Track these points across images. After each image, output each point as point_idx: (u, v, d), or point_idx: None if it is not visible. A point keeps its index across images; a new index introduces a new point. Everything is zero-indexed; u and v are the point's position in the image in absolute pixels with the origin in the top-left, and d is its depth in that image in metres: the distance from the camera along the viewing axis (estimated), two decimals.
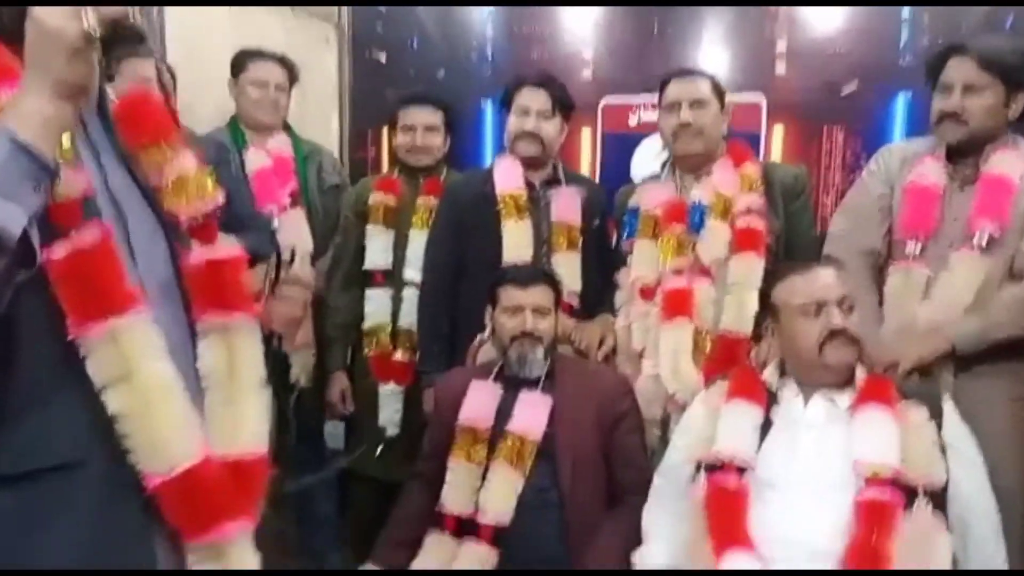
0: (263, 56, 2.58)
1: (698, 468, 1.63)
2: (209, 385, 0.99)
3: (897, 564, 1.39)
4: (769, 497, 1.54)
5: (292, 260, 1.13)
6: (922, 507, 1.45)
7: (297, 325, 1.13)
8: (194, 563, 0.96)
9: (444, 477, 1.88)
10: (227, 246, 1.04)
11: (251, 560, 1.00)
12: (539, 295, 1.93)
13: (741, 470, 1.57)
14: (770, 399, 1.66)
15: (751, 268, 2.00)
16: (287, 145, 2.62)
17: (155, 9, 2.74)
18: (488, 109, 3.47)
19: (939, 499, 1.49)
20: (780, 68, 3.17)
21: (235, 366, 1.00)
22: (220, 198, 1.05)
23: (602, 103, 3.34)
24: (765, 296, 1.80)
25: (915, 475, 1.47)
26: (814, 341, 1.61)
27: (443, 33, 3.53)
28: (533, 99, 2.28)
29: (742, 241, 2.04)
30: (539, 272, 2.02)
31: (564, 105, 2.31)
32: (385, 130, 3.54)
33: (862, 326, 1.68)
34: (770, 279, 1.79)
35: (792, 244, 2.11)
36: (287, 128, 2.69)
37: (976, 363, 1.84)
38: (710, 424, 1.65)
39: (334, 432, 2.96)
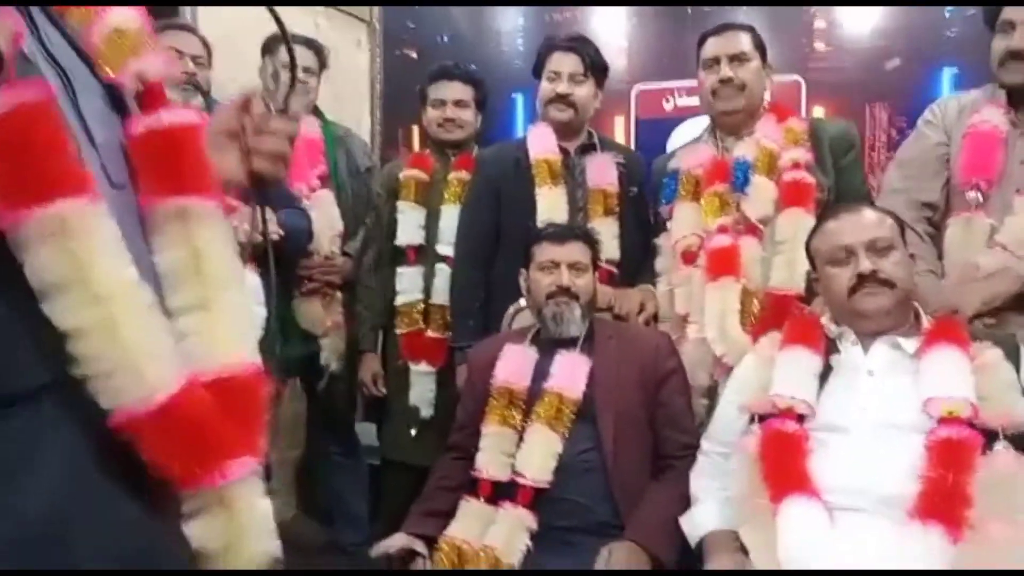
0: (293, 39, 2.56)
1: (751, 420, 1.52)
2: (172, 287, 0.77)
3: (978, 508, 1.26)
4: (830, 443, 1.42)
5: (294, 83, 0.95)
6: (1003, 449, 1.31)
7: (284, 164, 0.91)
8: (191, 515, 0.75)
9: (479, 446, 1.78)
10: (181, 113, 0.82)
11: (262, 507, 0.79)
12: (576, 251, 1.84)
13: (800, 417, 1.45)
14: (829, 347, 1.54)
15: (800, 224, 1.89)
16: (316, 128, 2.59)
17: (188, 10, 2.76)
18: (519, 102, 3.43)
19: (1020, 443, 1.35)
20: (819, 46, 3.08)
21: (202, 261, 0.78)
22: (170, 58, 0.90)
23: (636, 89, 3.28)
24: None
25: (993, 415, 1.34)
26: (844, 288, 1.51)
27: (474, 26, 3.51)
28: (564, 62, 2.21)
29: (790, 196, 1.93)
30: (576, 228, 1.94)
31: (597, 68, 2.24)
32: (416, 130, 3.54)
33: (923, 279, 1.58)
34: (814, 230, 1.69)
35: (844, 201, 1.99)
36: (317, 112, 2.66)
37: None
38: (764, 374, 1.54)
39: (367, 428, 2.90)
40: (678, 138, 3.11)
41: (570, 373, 1.75)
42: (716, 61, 2.04)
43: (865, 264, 1.50)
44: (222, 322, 0.78)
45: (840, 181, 2.01)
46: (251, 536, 0.78)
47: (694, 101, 3.07)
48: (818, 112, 3.06)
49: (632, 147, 3.24)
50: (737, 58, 2.02)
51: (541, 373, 1.79)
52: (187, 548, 0.76)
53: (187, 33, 2.17)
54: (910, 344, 1.49)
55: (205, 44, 2.21)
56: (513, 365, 1.80)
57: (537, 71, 2.28)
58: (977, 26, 2.57)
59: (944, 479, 1.28)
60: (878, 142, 3.02)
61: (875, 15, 3.01)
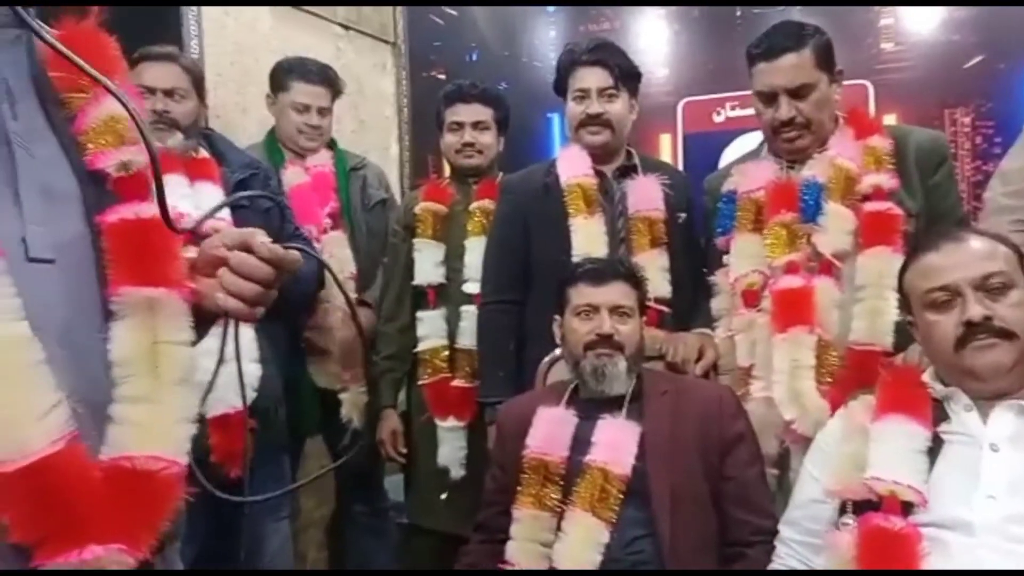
0: (306, 77, 2.31)
1: (843, 508, 1.22)
2: (123, 376, 0.76)
3: None
4: (951, 545, 1.11)
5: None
6: None
7: (256, 304, 0.82)
8: None
9: (509, 531, 1.51)
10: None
11: None
12: (618, 293, 1.57)
13: (907, 507, 1.15)
14: (937, 413, 1.24)
15: (885, 265, 1.58)
16: (327, 160, 2.36)
17: (194, 41, 2.57)
18: (555, 121, 3.17)
19: None
20: (887, 47, 2.76)
21: (161, 356, 0.78)
22: (156, 146, 0.79)
23: (682, 102, 3.00)
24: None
25: None
26: (949, 339, 1.20)
27: (504, 42, 3.29)
28: (590, 78, 1.95)
29: (872, 232, 1.62)
30: (618, 266, 1.65)
31: (629, 77, 1.97)
32: None
33: None
34: (907, 264, 1.38)
35: (935, 227, 1.67)
36: (330, 143, 2.43)
37: None
38: (856, 448, 1.24)
39: (397, 482, 2.66)
40: (731, 155, 2.82)
41: (616, 443, 1.47)
42: (773, 96, 1.70)
43: (975, 309, 1.19)
44: (161, 417, 0.78)
45: (930, 203, 1.68)
46: None
47: (747, 112, 2.79)
48: (889, 121, 2.72)
49: (680, 166, 2.97)
50: (798, 92, 1.68)
51: (582, 441, 1.51)
52: None
53: (164, 63, 1.88)
54: None
55: (190, 72, 1.92)
56: (548, 433, 1.54)
57: (560, 89, 2.03)
58: None
59: None
60: (961, 150, 2.68)
61: (949, 8, 2.67)
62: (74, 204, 0.80)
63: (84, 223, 0.80)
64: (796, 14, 2.81)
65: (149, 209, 0.79)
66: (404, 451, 2.27)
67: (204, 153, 1.91)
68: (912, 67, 2.72)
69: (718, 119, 2.95)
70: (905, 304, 1.35)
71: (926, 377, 1.30)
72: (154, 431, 0.77)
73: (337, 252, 2.18)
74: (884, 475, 1.17)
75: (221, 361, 0.88)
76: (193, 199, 1.77)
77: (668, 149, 3.03)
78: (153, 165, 0.74)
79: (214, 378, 0.88)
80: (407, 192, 3.12)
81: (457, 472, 2.17)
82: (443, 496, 2.19)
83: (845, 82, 1.82)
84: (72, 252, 0.78)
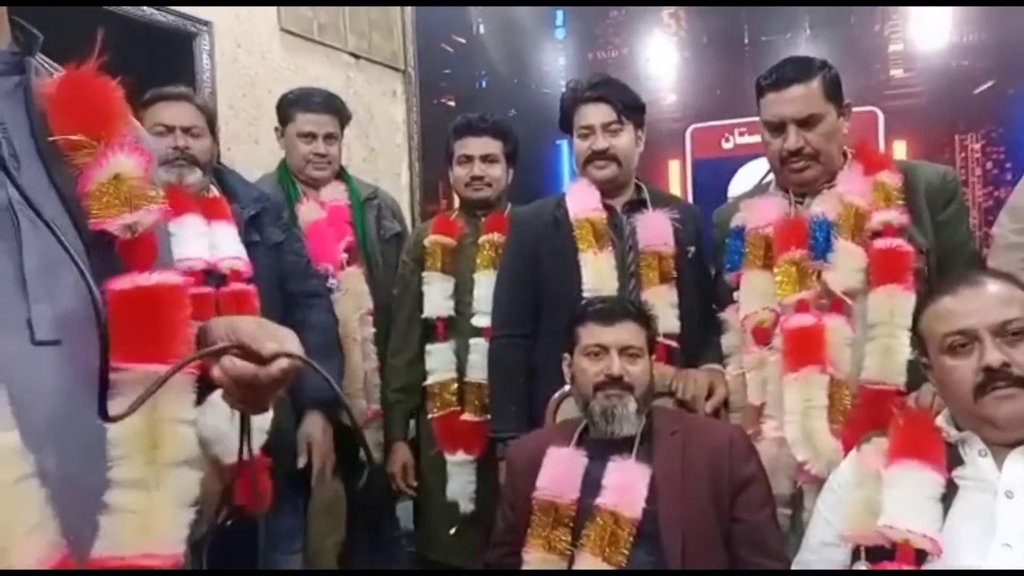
0: (309, 106, 2.31)
1: (856, 554, 1.21)
2: (120, 458, 0.73)
3: None
4: None
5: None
6: None
7: (255, 396, 0.80)
8: None
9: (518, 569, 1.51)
10: (167, 274, 0.78)
11: None
12: (627, 333, 1.57)
13: (920, 556, 1.13)
14: (951, 458, 1.23)
15: (897, 303, 1.57)
16: (342, 193, 2.37)
17: (206, 73, 2.60)
18: (564, 149, 3.19)
19: None
20: (896, 73, 2.76)
21: (160, 436, 0.74)
22: (161, 209, 0.81)
23: (690, 129, 3.01)
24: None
25: None
26: (967, 386, 1.19)
27: (513, 69, 3.31)
28: (593, 114, 1.96)
29: (883, 269, 1.61)
30: (627, 305, 1.65)
31: (632, 110, 1.98)
32: None
33: None
34: (922, 305, 1.37)
35: (946, 264, 1.66)
36: (341, 173, 2.44)
37: None
38: (869, 493, 1.23)
39: (408, 509, 2.66)
40: (741, 181, 2.82)
41: (626, 486, 1.46)
42: (781, 126, 1.70)
43: (993, 355, 1.18)
44: (159, 506, 0.74)
45: (940, 240, 1.67)
46: None
47: (756, 139, 2.78)
48: (899, 148, 2.72)
49: (689, 192, 2.98)
50: (806, 122, 1.68)
51: (592, 482, 1.51)
52: None
53: (179, 103, 1.90)
54: None
55: (203, 110, 1.94)
56: (558, 474, 1.53)
57: (565, 125, 2.04)
58: None
59: None
60: (972, 176, 2.67)
61: (958, 33, 2.67)
62: (72, 275, 0.75)
63: (84, 294, 0.75)
64: (804, 42, 2.83)
65: (152, 278, 0.76)
66: (415, 484, 2.27)
67: (215, 191, 1.93)
68: (922, 93, 2.72)
69: (727, 145, 2.95)
70: (920, 346, 1.33)
71: (940, 421, 1.29)
72: (150, 521, 0.73)
73: (354, 288, 2.18)
74: (898, 522, 1.16)
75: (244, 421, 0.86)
76: (209, 237, 1.79)
77: (677, 175, 3.04)
78: (102, 350, 0.70)
79: (245, 437, 0.86)
80: (418, 219, 3.13)
81: (466, 506, 2.17)
82: (452, 530, 2.19)
83: (854, 109, 1.82)
84: (78, 327, 0.75)
